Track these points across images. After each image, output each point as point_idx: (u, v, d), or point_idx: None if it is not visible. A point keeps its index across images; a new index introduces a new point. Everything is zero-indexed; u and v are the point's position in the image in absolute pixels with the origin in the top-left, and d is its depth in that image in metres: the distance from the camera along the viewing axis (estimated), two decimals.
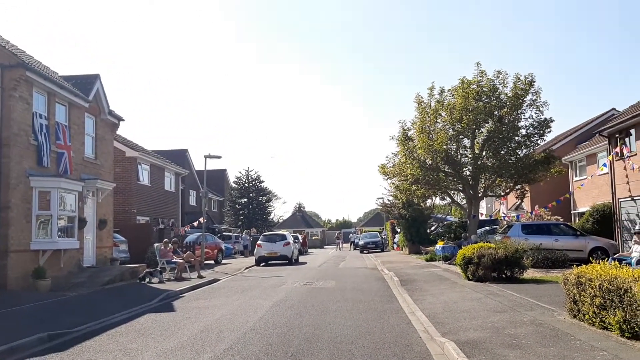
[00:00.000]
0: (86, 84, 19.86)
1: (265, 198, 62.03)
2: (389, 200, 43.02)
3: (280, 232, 36.98)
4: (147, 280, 18.47)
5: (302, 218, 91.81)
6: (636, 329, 6.85)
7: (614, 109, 32.84)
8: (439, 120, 25.75)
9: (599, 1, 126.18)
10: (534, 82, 24.29)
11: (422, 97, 26.35)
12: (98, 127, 20.85)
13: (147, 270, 19.25)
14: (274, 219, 66.49)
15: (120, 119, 22.32)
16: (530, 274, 16.23)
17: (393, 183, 30.83)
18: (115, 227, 23.48)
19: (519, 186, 26.42)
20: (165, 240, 21.29)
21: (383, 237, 50.78)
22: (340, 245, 60.54)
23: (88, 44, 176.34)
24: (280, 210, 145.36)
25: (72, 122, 18.68)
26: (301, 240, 51.25)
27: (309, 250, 54.33)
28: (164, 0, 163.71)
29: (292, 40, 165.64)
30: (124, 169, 28.84)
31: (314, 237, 78.59)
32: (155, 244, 21.58)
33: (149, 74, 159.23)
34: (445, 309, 10.50)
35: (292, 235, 36.67)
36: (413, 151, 25.89)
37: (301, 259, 35.30)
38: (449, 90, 25.78)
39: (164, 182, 34.47)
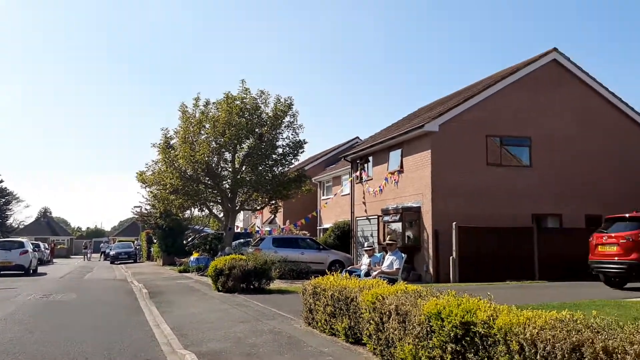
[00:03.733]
0: None
1: (3, 200, 54.80)
2: (146, 209, 41.58)
3: (18, 239, 33.12)
4: None
5: (47, 224, 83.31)
6: (359, 335, 7.69)
7: (357, 137, 36.88)
8: (202, 132, 25.85)
9: (341, 39, 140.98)
10: (293, 105, 26.00)
11: (186, 107, 26.22)
12: None
13: None
14: (14, 224, 58.96)
15: None
16: (277, 284, 17.12)
17: (151, 192, 29.97)
18: None
19: (273, 201, 27.83)
20: None
21: (137, 247, 48.80)
22: (89, 255, 56.46)
23: None
24: (22, 215, 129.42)
25: None
26: (49, 249, 46.76)
27: (54, 260, 49.46)
28: None
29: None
30: None
31: (60, 246, 71.85)
32: None
33: None
34: (192, 321, 10.50)
35: (33, 243, 33.12)
36: (174, 160, 25.52)
37: (43, 269, 32.01)
38: (214, 103, 26.10)
39: None
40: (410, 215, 21.09)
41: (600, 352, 3.88)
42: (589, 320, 4.44)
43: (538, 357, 4.38)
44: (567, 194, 20.93)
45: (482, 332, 5.03)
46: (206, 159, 24.86)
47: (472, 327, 5.17)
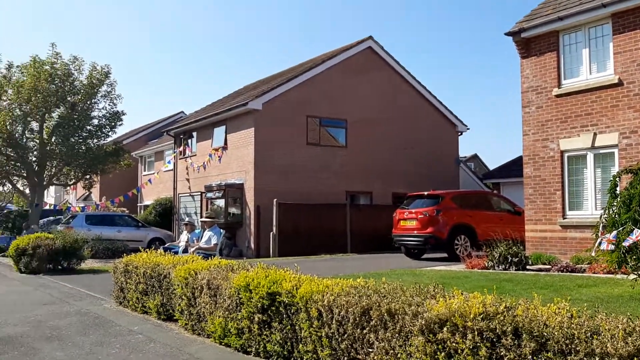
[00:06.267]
0: None
1: None
2: None
3: None
4: None
5: None
6: (171, 311, 7.61)
7: (182, 112, 35.97)
8: (4, 98, 23.31)
9: (169, 13, 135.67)
10: (110, 74, 24.54)
11: None
12: None
13: None
14: None
15: None
16: (89, 264, 16.23)
17: None
18: None
19: (88, 176, 26.15)
20: None
21: None
22: None
23: None
24: None
25: None
26: None
27: None
28: None
29: None
30: None
31: None
32: None
33: None
34: None
35: None
36: None
37: None
38: (18, 66, 23.61)
39: None
40: (234, 192, 21.23)
41: (385, 314, 4.34)
42: (379, 286, 4.91)
43: (334, 321, 4.76)
44: (377, 173, 22.63)
45: (287, 301, 5.31)
46: (8, 127, 22.46)
47: (277, 297, 5.42)
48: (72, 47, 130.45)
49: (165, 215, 26.44)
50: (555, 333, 3.35)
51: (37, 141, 24.14)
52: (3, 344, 6.56)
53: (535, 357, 3.38)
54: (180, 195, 25.71)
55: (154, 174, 29.29)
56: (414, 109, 23.94)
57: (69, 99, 23.65)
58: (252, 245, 20.40)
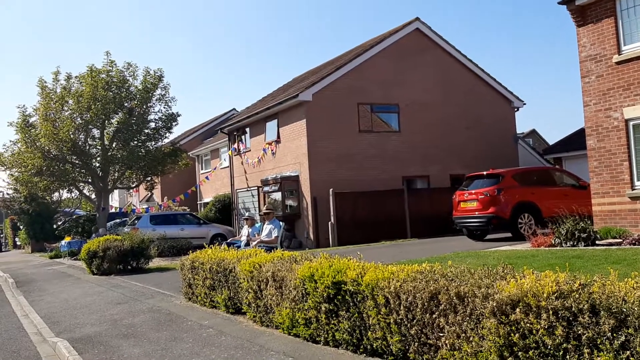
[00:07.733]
0: None
1: None
2: (8, 194, 38.63)
3: None
4: None
5: None
6: (239, 304, 7.76)
7: (234, 109, 36.44)
8: (65, 108, 24.29)
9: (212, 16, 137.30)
10: (163, 77, 25.11)
11: (46, 82, 24.40)
12: None
13: None
14: None
15: None
16: (156, 263, 16.73)
17: (12, 174, 27.86)
18: None
19: (149, 178, 26.93)
20: None
21: (0, 235, 45.31)
22: None
23: None
24: None
25: None
26: None
27: None
28: None
29: None
30: None
31: None
32: None
33: None
34: (64, 307, 10.00)
35: None
36: (36, 139, 23.78)
37: None
38: (76, 77, 24.54)
39: None
40: (290, 184, 21.40)
41: (454, 298, 4.28)
42: (445, 270, 4.84)
43: (402, 307, 4.73)
44: (433, 156, 22.26)
45: (352, 289, 5.32)
46: (71, 136, 23.42)
47: (343, 285, 5.43)
48: (126, 55, 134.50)
49: (225, 211, 26.95)
50: (635, 308, 3.26)
51: (99, 147, 25.02)
52: (84, 343, 6.88)
53: (614, 334, 3.30)
54: (237, 190, 26.15)
55: (210, 171, 29.88)
56: (467, 88, 23.37)
57: (126, 104, 24.39)
58: (311, 236, 20.54)
